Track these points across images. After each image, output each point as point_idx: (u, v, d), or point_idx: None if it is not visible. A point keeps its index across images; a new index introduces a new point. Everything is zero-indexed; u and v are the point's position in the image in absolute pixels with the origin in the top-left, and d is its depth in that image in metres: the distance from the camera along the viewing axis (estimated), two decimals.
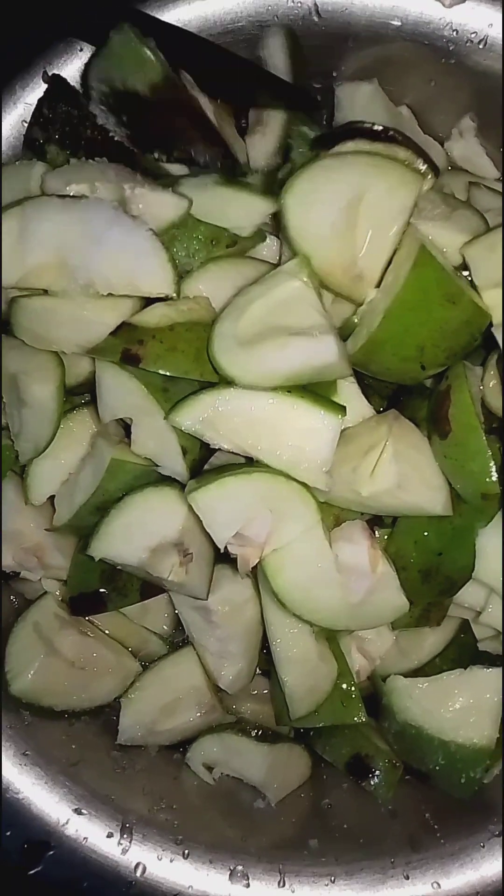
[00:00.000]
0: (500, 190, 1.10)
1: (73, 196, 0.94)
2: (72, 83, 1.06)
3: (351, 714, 1.02)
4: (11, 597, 1.15)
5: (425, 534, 0.97)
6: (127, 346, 0.91)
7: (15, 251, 0.94)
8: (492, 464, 0.92)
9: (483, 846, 0.97)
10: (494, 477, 0.91)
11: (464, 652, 1.06)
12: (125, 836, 1.00)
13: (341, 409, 0.91)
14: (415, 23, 1.06)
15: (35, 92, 1.05)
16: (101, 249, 0.92)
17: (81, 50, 1.05)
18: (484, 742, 0.98)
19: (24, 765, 1.02)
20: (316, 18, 1.06)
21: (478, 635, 1.07)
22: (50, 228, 0.93)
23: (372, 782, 1.03)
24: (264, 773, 1.06)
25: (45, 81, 1.06)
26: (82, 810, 1.00)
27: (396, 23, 1.07)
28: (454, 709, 0.98)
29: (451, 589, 0.99)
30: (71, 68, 1.06)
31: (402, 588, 0.97)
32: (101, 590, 1.04)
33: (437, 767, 0.99)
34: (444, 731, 0.98)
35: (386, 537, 1.00)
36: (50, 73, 1.06)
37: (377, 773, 1.03)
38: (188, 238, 0.98)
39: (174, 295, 0.94)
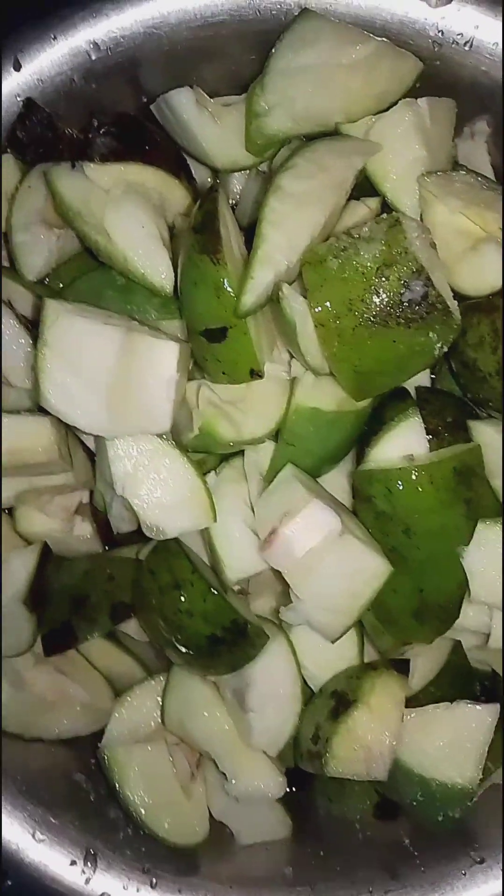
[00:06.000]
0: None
1: None
2: (44, 71, 1.03)
3: None
4: None
5: (398, 579, 0.92)
6: None
7: None
8: None
9: (465, 874, 0.95)
10: None
11: (458, 675, 1.01)
12: (89, 863, 0.95)
13: None
14: (400, 23, 1.04)
15: (8, 80, 1.02)
16: None
17: (55, 38, 1.01)
18: (465, 783, 0.95)
19: None
20: None
21: (465, 644, 1.02)
22: None
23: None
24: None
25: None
26: (43, 836, 0.95)
27: (381, 23, 1.04)
28: (437, 745, 0.96)
29: (449, 614, 0.95)
30: (44, 56, 1.02)
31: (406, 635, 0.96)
32: (69, 619, 1.01)
33: (415, 803, 0.97)
34: (425, 768, 0.96)
35: None
36: (21, 73, 1.03)
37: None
38: None
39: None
